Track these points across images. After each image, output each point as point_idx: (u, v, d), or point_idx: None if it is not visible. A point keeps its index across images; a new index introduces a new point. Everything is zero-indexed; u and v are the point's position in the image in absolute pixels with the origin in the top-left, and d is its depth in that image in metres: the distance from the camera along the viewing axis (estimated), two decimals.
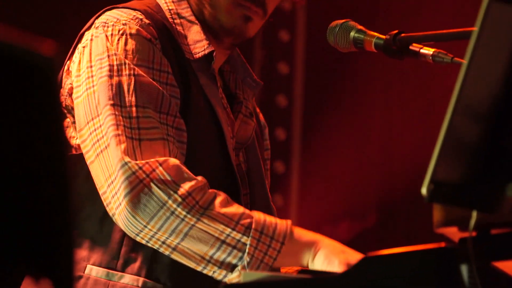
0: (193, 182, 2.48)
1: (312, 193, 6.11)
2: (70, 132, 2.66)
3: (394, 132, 5.91)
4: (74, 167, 2.63)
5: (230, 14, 2.76)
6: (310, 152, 6.19)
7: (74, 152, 2.64)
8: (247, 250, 2.45)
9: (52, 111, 1.07)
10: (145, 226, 2.46)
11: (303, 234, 2.51)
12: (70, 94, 2.64)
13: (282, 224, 2.50)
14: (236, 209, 2.49)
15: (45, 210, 1.11)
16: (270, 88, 6.23)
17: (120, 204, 2.47)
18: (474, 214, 1.91)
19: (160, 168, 2.47)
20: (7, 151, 1.03)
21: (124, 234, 2.58)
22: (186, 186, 2.47)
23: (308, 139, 6.23)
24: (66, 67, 2.68)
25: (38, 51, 1.03)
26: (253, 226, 2.47)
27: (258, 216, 2.50)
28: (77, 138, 2.62)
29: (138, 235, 2.49)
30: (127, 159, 2.47)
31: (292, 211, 6.16)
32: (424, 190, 1.78)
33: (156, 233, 2.47)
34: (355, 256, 2.44)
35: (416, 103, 5.76)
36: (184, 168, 2.49)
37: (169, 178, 2.47)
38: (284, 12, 6.02)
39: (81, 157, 2.59)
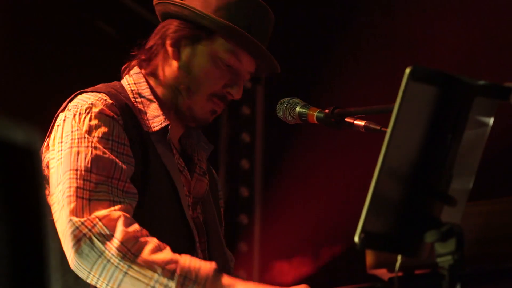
0: (127, 233, 2.46)
1: (272, 240, 6.09)
2: (49, 200, 2.66)
3: (336, 189, 5.92)
4: (53, 230, 2.62)
5: (202, 107, 2.77)
6: (269, 206, 6.18)
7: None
8: None
9: (35, 183, 1.04)
10: (89, 273, 2.45)
11: (224, 279, 2.47)
12: (48, 167, 2.64)
13: (206, 268, 2.46)
14: (164, 255, 2.46)
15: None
16: (235, 153, 6.24)
17: (70, 254, 2.46)
18: (399, 257, 1.91)
19: (100, 223, 2.45)
20: None
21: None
22: (119, 236, 2.44)
23: (268, 195, 6.23)
24: (45, 144, 2.68)
25: (18, 127, 1.02)
26: (178, 272, 2.43)
27: (184, 261, 2.46)
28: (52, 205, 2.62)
29: (87, 278, 2.47)
30: (72, 217, 2.46)
31: (255, 256, 6.13)
32: (356, 239, 1.78)
33: (98, 279, 2.45)
34: None
35: (353, 165, 5.78)
36: (123, 220, 2.47)
37: (106, 231, 2.44)
38: (245, 89, 6.04)
39: None
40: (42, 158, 2.66)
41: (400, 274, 1.94)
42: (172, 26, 2.78)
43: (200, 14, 2.73)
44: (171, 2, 2.76)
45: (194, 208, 2.80)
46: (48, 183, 2.64)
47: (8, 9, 4.45)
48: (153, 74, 2.80)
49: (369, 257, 2.09)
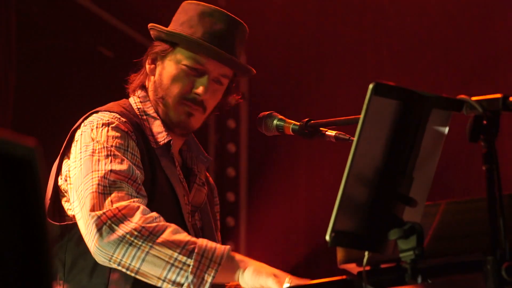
0: (147, 218, 2.44)
1: (257, 240, 6.09)
2: (67, 206, 2.64)
3: (313, 193, 5.92)
4: (68, 233, 2.61)
5: (176, 110, 2.76)
6: (253, 209, 6.18)
7: (69, 221, 2.62)
8: (190, 270, 2.40)
9: (35, 197, 1.02)
10: (112, 256, 2.42)
11: (237, 256, 2.47)
12: (66, 179, 2.63)
13: (221, 249, 2.44)
14: (183, 237, 2.45)
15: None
16: (222, 163, 6.25)
17: (93, 241, 2.43)
18: (367, 253, 1.90)
19: (120, 212, 2.44)
20: None
21: (108, 283, 2.54)
22: (140, 222, 2.43)
23: (252, 200, 6.23)
24: (65, 157, 2.67)
25: (21, 142, 1.01)
26: (196, 250, 2.42)
27: (201, 242, 2.45)
28: (72, 210, 2.60)
29: (109, 261, 2.44)
30: (94, 211, 2.45)
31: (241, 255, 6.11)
32: (327, 237, 1.77)
33: (121, 260, 2.42)
34: (277, 271, 2.43)
35: (327, 171, 5.79)
36: (142, 209, 2.46)
37: (126, 218, 2.43)
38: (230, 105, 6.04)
39: (74, 225, 2.57)
40: (61, 172, 2.65)
41: (367, 268, 1.94)
42: (152, 46, 2.82)
43: (163, 31, 2.76)
44: (152, 26, 2.80)
45: (193, 215, 2.80)
46: (67, 193, 2.63)
47: (16, 32, 4.44)
48: (146, 91, 2.82)
49: (340, 253, 2.08)
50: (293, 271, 6.11)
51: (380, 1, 5.83)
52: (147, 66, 2.81)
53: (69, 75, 5.05)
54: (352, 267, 2.10)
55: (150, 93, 2.80)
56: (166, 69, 2.77)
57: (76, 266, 2.59)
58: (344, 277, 1.99)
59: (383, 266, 1.99)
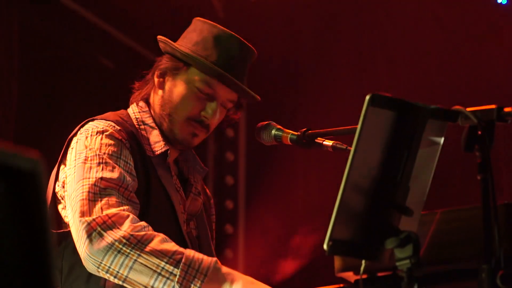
0: (135, 227, 2.43)
1: (255, 247, 6.08)
2: (64, 213, 2.64)
3: (313, 201, 5.92)
4: (65, 240, 2.60)
5: (182, 130, 2.76)
6: (252, 217, 6.18)
7: (66, 229, 2.62)
8: (176, 279, 2.39)
9: (39, 209, 1.01)
10: (100, 263, 2.42)
11: (223, 269, 2.44)
12: (63, 186, 2.63)
13: (207, 260, 2.43)
14: (171, 246, 2.44)
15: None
16: (221, 171, 6.24)
17: (83, 247, 2.43)
18: (363, 262, 1.90)
19: (110, 220, 2.44)
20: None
21: None
22: (129, 230, 2.42)
23: (250, 207, 6.22)
24: (59, 166, 2.68)
25: (24, 155, 1.00)
26: (183, 260, 2.41)
27: (189, 252, 2.44)
28: (67, 217, 2.60)
29: (98, 268, 2.43)
30: (84, 217, 2.44)
31: (240, 262, 6.11)
32: (325, 246, 1.77)
33: (109, 267, 2.41)
34: (267, 287, 2.41)
35: (324, 180, 5.78)
36: (131, 218, 2.45)
37: (116, 226, 2.42)
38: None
39: (70, 232, 2.57)
40: (58, 178, 2.66)
41: (364, 276, 1.94)
42: (162, 60, 2.81)
43: (177, 49, 2.74)
44: (162, 40, 2.80)
45: (188, 223, 2.80)
46: (63, 200, 2.64)
47: (18, 43, 4.44)
48: (149, 103, 2.82)
49: (337, 261, 2.08)
50: (291, 279, 6.08)
51: (377, 13, 5.84)
52: (156, 80, 2.80)
53: (70, 85, 5.05)
54: (350, 276, 2.10)
55: (156, 106, 2.80)
56: (177, 88, 2.76)
57: (73, 273, 2.58)
58: (341, 285, 1.99)
59: (379, 274, 1.99)
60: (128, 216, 2.45)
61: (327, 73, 5.95)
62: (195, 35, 2.78)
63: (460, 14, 5.66)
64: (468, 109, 1.86)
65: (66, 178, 2.62)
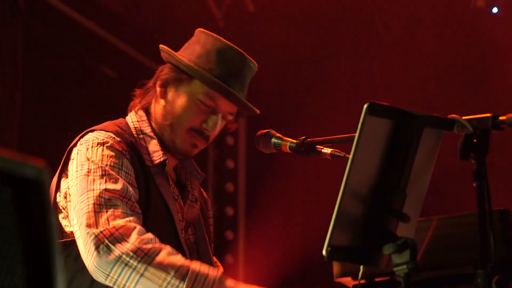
0: (142, 239, 2.44)
1: (255, 253, 6.09)
2: (65, 222, 2.64)
3: (312, 208, 5.92)
4: (66, 249, 2.60)
5: (183, 140, 2.76)
6: (252, 223, 6.18)
7: (67, 238, 2.62)
8: None
9: (45, 216, 1.02)
10: (108, 275, 2.42)
11: (228, 282, 2.45)
12: (65, 197, 2.63)
13: (213, 272, 2.44)
14: (178, 259, 2.44)
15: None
16: (221, 178, 6.25)
17: (91, 259, 2.43)
18: (361, 267, 1.91)
19: (117, 232, 2.44)
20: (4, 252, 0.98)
21: None
22: (136, 243, 2.43)
23: (250, 214, 6.23)
24: (59, 175, 2.67)
25: (30, 163, 1.01)
26: (189, 274, 2.42)
27: (194, 266, 2.45)
28: (70, 226, 2.60)
29: (106, 280, 2.44)
30: (91, 229, 2.45)
31: (240, 267, 6.11)
32: (324, 251, 1.78)
33: (117, 279, 2.42)
34: None
35: (323, 187, 5.78)
36: (138, 230, 2.46)
37: (123, 238, 2.43)
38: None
39: (72, 242, 2.57)
40: (59, 189, 2.66)
41: (362, 281, 1.94)
42: (164, 70, 2.80)
43: (181, 61, 2.75)
44: (165, 50, 2.79)
45: (186, 230, 2.80)
46: (65, 210, 2.63)
47: (22, 53, 4.45)
48: (149, 112, 2.82)
49: (336, 267, 2.09)
50: (290, 285, 6.08)
51: (374, 24, 5.86)
52: (158, 89, 2.79)
53: (73, 94, 5.06)
54: (348, 281, 2.10)
55: (158, 116, 2.79)
56: (180, 99, 2.76)
57: (74, 282, 2.58)
58: None
59: (377, 279, 2.00)
60: (135, 227, 2.46)
61: (326, 82, 5.96)
62: (199, 47, 2.78)
63: (457, 24, 5.68)
64: (464, 117, 1.87)
65: (68, 189, 2.61)
